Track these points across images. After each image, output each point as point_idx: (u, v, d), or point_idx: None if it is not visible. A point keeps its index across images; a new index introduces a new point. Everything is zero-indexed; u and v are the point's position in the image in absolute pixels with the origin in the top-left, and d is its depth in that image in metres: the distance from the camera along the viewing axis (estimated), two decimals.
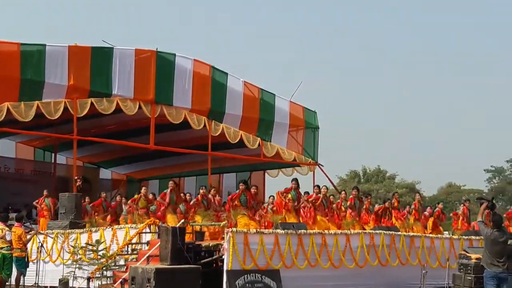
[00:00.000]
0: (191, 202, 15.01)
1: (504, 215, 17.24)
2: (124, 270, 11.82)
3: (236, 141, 19.13)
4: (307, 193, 15.50)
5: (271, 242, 11.06)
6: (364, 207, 15.44)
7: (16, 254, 11.88)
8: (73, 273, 12.32)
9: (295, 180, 14.53)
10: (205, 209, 14.59)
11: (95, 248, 12.29)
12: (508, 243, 8.94)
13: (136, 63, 16.79)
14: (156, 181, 24.58)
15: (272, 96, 20.27)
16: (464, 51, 69.18)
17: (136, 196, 15.69)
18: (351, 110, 70.16)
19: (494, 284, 8.65)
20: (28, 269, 12.35)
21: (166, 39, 69.62)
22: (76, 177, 15.90)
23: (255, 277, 10.59)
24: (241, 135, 19.17)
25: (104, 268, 12.02)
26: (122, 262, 12.42)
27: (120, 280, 11.13)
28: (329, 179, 21.87)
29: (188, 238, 11.75)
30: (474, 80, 66.20)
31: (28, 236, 12.43)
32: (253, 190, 13.93)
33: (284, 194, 14.30)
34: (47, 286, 13.26)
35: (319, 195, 14.46)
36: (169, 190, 14.92)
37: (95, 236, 13.05)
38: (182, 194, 16.01)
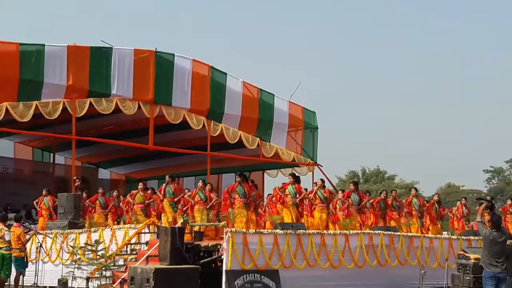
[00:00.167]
0: (186, 195, 14.98)
1: (500, 210, 17.28)
2: (123, 270, 11.83)
3: (235, 141, 19.14)
4: (305, 190, 15.53)
5: (270, 242, 11.06)
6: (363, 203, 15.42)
7: (15, 254, 11.88)
8: (72, 273, 12.31)
9: (292, 175, 14.57)
10: (203, 203, 14.47)
11: (94, 248, 12.28)
12: (507, 243, 8.96)
13: (135, 63, 16.80)
14: (155, 181, 24.51)
15: (271, 96, 20.28)
16: (464, 51, 69.28)
17: (133, 191, 15.78)
18: (350, 110, 70.22)
19: (493, 284, 8.66)
20: (27, 269, 12.36)
21: (166, 39, 69.63)
22: (74, 177, 15.89)
23: (254, 277, 10.59)
24: (240, 135, 19.18)
25: (103, 268, 12.02)
26: (121, 262, 12.42)
27: (119, 280, 11.13)
28: (328, 179, 21.83)
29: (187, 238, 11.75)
30: (474, 80, 66.31)
31: (27, 236, 12.43)
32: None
33: (282, 189, 14.33)
34: (46, 286, 13.25)
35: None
36: (165, 184, 14.99)
37: (94, 236, 13.05)
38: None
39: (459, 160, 62.91)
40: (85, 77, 15.95)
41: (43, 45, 15.36)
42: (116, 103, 16.38)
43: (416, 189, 17.51)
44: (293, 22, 72.79)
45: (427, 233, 15.44)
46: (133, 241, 12.67)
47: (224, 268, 10.47)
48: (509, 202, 18.20)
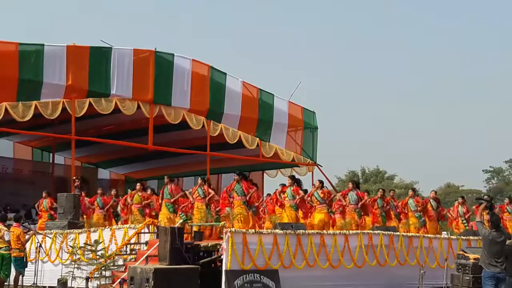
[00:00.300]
0: (187, 192, 15.00)
1: (498, 208, 17.25)
2: (123, 270, 11.83)
3: (234, 142, 19.14)
4: (305, 190, 15.53)
5: (270, 242, 11.06)
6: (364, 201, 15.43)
7: (15, 254, 11.88)
8: (71, 273, 12.31)
9: (290, 177, 14.60)
10: (201, 199, 14.46)
11: (93, 248, 12.29)
12: (507, 243, 8.97)
13: (135, 63, 16.79)
14: (155, 181, 24.56)
15: (271, 96, 20.28)
16: (464, 51, 69.28)
17: (131, 191, 15.87)
18: (350, 110, 70.22)
19: (492, 284, 8.68)
20: (26, 269, 12.37)
21: (165, 39, 69.62)
22: (74, 177, 15.89)
23: (254, 277, 10.59)
24: (239, 135, 19.18)
25: (102, 268, 12.02)
26: (120, 262, 12.42)
27: (119, 280, 11.13)
28: (327, 179, 21.88)
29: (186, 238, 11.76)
30: (474, 80, 66.32)
31: (27, 236, 12.43)
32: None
33: (282, 192, 14.34)
34: (45, 286, 13.24)
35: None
36: (163, 185, 15.04)
37: (94, 236, 13.05)
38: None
39: (459, 160, 63.01)
40: (85, 77, 15.95)
41: (43, 45, 15.35)
42: (116, 103, 16.37)
43: (414, 190, 17.43)
44: (293, 22, 72.88)
45: (427, 232, 15.43)
46: (132, 241, 12.67)
47: (223, 268, 10.47)
48: (506, 200, 18.22)
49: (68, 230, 13.62)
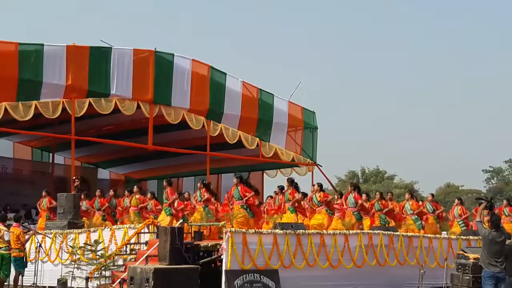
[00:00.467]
0: (176, 197, 15.04)
1: (496, 210, 17.26)
2: (122, 270, 11.83)
3: (234, 142, 19.13)
4: (304, 193, 15.55)
5: (270, 242, 11.06)
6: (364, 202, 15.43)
7: (15, 254, 11.88)
8: (71, 273, 12.32)
9: (287, 180, 14.67)
10: (199, 202, 14.50)
11: (93, 248, 12.29)
12: (506, 243, 8.97)
13: (135, 63, 16.78)
14: (155, 181, 24.56)
15: (271, 96, 20.28)
16: (464, 51, 69.30)
17: (128, 194, 16.03)
18: (350, 110, 70.23)
19: (492, 284, 8.68)
20: (26, 269, 12.37)
21: (165, 39, 69.62)
22: (74, 177, 15.89)
23: (254, 277, 10.59)
24: (239, 135, 19.18)
25: (102, 268, 12.03)
26: (120, 262, 12.42)
27: (119, 280, 11.13)
28: (327, 179, 21.90)
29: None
30: (474, 80, 66.31)
31: (27, 236, 12.43)
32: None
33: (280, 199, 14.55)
34: (45, 286, 13.24)
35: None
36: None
37: (94, 236, 13.05)
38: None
39: (459, 160, 62.98)
40: (85, 77, 15.94)
41: (42, 45, 15.35)
42: (116, 103, 16.37)
43: (411, 193, 17.40)
44: (293, 22, 72.86)
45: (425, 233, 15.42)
46: (132, 241, 12.67)
47: (223, 268, 10.47)
48: (505, 202, 18.22)
49: (68, 230, 13.62)
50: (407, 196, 16.95)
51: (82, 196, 16.37)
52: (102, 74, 16.25)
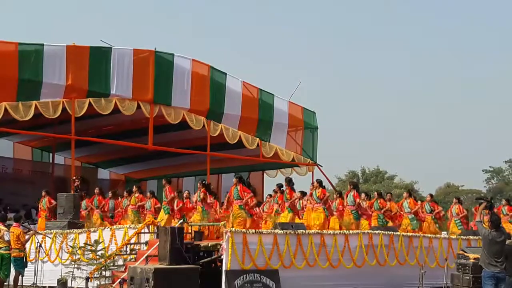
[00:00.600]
0: (174, 195, 15.09)
1: (495, 209, 17.25)
2: (123, 270, 11.83)
3: (235, 142, 19.13)
4: (303, 192, 15.57)
5: (270, 242, 11.06)
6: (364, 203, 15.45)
7: (15, 254, 11.88)
8: (71, 273, 12.32)
9: (285, 179, 14.70)
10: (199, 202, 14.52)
11: (93, 248, 12.29)
12: (506, 243, 8.96)
13: (135, 63, 16.78)
14: (155, 181, 24.57)
15: (271, 96, 20.28)
16: (464, 51, 69.30)
17: (128, 194, 16.08)
18: (350, 110, 70.23)
19: (492, 284, 8.68)
20: (26, 269, 12.36)
21: (165, 39, 69.62)
22: (74, 177, 15.89)
23: (254, 277, 10.59)
24: (240, 135, 19.17)
25: (102, 268, 12.02)
26: (120, 262, 12.42)
27: (119, 280, 11.13)
28: (328, 179, 21.88)
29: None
30: (474, 80, 66.32)
31: (27, 236, 12.43)
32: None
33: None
34: (45, 286, 13.24)
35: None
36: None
37: (94, 236, 13.05)
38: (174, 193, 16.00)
39: (459, 160, 62.98)
40: (85, 77, 15.94)
41: (42, 44, 15.34)
42: (116, 103, 16.36)
43: (409, 192, 17.44)
44: (293, 22, 72.86)
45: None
46: (132, 241, 12.66)
47: (224, 268, 10.47)
48: (503, 202, 18.25)
49: (68, 230, 13.62)
50: (405, 194, 17.02)
51: (83, 195, 16.40)
52: (102, 74, 16.25)
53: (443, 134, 66.15)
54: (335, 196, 15.76)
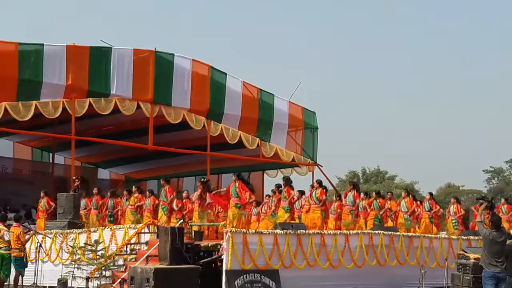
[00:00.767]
0: (173, 196, 15.07)
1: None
2: (123, 270, 11.82)
3: (235, 142, 19.13)
4: (302, 192, 15.57)
5: (270, 242, 11.06)
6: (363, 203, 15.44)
7: (15, 254, 11.87)
8: (71, 273, 12.31)
9: (283, 178, 14.74)
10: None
11: (94, 248, 12.28)
12: (507, 243, 8.96)
13: (135, 63, 16.79)
14: (155, 181, 24.55)
15: (271, 97, 20.28)
16: (464, 51, 69.32)
17: (127, 195, 16.07)
18: (350, 110, 70.21)
19: (493, 284, 8.67)
20: (26, 269, 12.36)
21: (165, 39, 69.62)
22: (74, 177, 15.89)
23: (254, 277, 10.58)
24: (240, 135, 19.17)
25: (103, 268, 12.02)
26: (121, 262, 12.42)
27: (119, 280, 11.13)
28: (328, 179, 21.88)
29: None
30: (474, 80, 66.29)
31: (27, 236, 12.42)
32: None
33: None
34: (45, 286, 13.24)
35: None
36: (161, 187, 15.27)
37: (94, 236, 13.05)
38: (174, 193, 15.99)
39: (459, 160, 62.91)
40: (85, 77, 15.94)
41: (42, 44, 15.35)
42: (116, 103, 16.37)
43: (407, 192, 17.46)
44: (293, 22, 72.81)
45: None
46: (132, 241, 12.66)
47: (224, 268, 10.46)
48: (502, 201, 18.30)
49: (68, 230, 13.62)
50: (403, 194, 17.06)
51: (81, 194, 16.40)
52: (102, 74, 16.25)
53: (443, 134, 66.18)
54: (334, 197, 15.76)
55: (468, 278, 11.08)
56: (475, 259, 11.02)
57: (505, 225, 16.51)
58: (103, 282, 11.86)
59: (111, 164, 25.02)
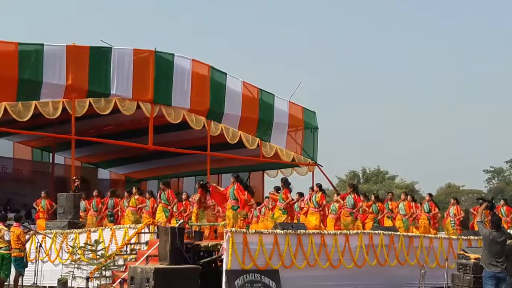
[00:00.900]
0: (177, 200, 15.06)
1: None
2: (123, 270, 11.82)
3: (235, 142, 19.12)
4: (301, 194, 15.54)
5: (270, 242, 11.06)
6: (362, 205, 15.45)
7: (15, 254, 11.88)
8: (72, 273, 12.31)
9: (283, 180, 14.64)
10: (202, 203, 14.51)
11: (94, 248, 12.28)
12: (507, 243, 8.96)
13: (135, 63, 16.77)
14: (155, 181, 24.55)
15: (271, 96, 20.27)
16: (464, 51, 69.32)
17: (128, 195, 16.08)
18: (350, 110, 70.21)
19: (493, 284, 8.67)
20: (26, 269, 12.36)
21: (165, 39, 69.63)
22: (74, 177, 15.88)
23: (254, 277, 10.58)
24: (240, 135, 19.16)
25: (103, 268, 12.02)
26: (121, 262, 12.42)
27: (119, 280, 11.13)
28: (328, 179, 21.89)
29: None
30: (474, 80, 66.30)
31: (27, 236, 12.43)
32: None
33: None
34: (45, 286, 13.24)
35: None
36: (159, 191, 15.28)
37: (94, 236, 13.05)
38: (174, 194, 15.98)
39: (459, 160, 62.89)
40: (85, 77, 15.93)
41: (42, 44, 15.34)
42: (116, 103, 16.35)
43: (406, 194, 17.46)
44: (293, 22, 72.81)
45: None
46: (133, 241, 12.66)
47: (224, 268, 10.46)
48: (502, 202, 18.29)
49: (68, 230, 13.62)
50: (402, 196, 17.07)
51: (81, 196, 16.40)
52: (102, 74, 16.24)
53: (443, 134, 66.17)
54: (334, 198, 15.74)
55: (469, 278, 11.08)
56: (475, 259, 11.02)
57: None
58: (103, 282, 11.86)
59: (111, 164, 25.02)
